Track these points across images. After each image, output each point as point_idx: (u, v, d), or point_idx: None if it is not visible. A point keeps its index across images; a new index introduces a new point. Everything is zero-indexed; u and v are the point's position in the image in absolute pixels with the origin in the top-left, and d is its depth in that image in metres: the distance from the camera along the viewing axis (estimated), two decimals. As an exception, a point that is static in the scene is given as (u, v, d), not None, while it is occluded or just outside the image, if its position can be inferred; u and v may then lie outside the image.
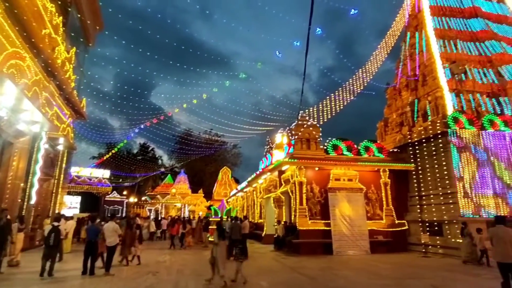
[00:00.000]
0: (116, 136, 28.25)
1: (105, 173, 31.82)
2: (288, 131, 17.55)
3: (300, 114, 16.66)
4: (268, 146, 23.46)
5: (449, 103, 15.66)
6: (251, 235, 19.41)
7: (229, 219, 14.82)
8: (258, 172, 21.16)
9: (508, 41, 18.74)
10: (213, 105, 26.30)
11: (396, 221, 15.40)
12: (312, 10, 8.72)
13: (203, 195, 43.96)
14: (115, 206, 38.39)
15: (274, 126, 21.20)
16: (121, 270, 9.42)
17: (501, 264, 6.33)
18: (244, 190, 27.19)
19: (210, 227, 18.36)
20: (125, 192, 44.58)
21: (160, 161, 59.57)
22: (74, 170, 28.88)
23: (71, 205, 27.82)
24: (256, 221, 22.66)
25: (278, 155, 18.06)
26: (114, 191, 39.12)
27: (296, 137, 15.89)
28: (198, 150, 38.23)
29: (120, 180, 40.02)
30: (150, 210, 41.47)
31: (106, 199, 35.42)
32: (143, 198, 43.88)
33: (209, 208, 37.28)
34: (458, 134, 14.26)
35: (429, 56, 17.58)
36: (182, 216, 36.52)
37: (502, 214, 6.94)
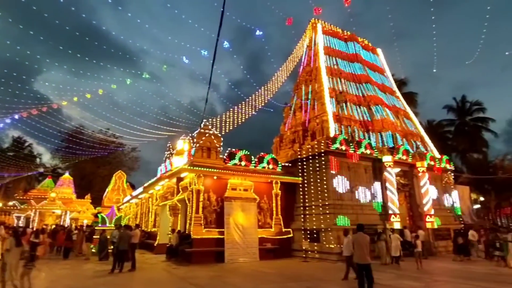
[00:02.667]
0: (-23, 125, 23.00)
1: (-44, 171, 25.48)
2: (190, 138, 17.52)
3: (203, 123, 16.87)
4: (169, 152, 22.80)
5: (332, 127, 18.23)
6: (142, 245, 18.37)
7: (118, 228, 13.80)
8: (156, 178, 20.35)
9: (377, 85, 23.21)
10: (112, 103, 24.24)
11: (283, 229, 16.90)
12: (221, 22, 9.12)
13: (91, 200, 39.42)
14: (-32, 212, 30.95)
15: (176, 132, 20.85)
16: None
17: (359, 265, 7.53)
18: (139, 196, 25.64)
19: (94, 237, 16.69)
20: (-16, 195, 36.39)
21: (38, 160, 50.95)
22: None
23: None
24: (149, 230, 21.57)
25: (178, 162, 17.79)
26: (-32, 194, 31.60)
27: (197, 145, 15.99)
28: (89, 150, 34.27)
29: (-21, 180, 32.61)
30: (18, 218, 34.87)
31: (-46, 203, 28.28)
32: (10, 203, 36.56)
33: (96, 215, 33.61)
34: (335, 154, 16.69)
35: (320, 85, 20.29)
36: (64, 225, 31.91)
37: (361, 223, 8.48)
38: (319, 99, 19.89)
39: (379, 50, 27.05)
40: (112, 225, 16.47)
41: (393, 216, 16.57)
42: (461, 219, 21.68)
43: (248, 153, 17.11)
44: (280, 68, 21.29)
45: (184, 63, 16.65)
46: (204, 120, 16.92)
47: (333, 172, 16.34)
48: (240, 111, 17.67)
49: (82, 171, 46.61)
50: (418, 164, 18.79)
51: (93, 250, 16.05)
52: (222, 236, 14.75)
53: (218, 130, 16.85)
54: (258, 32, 15.92)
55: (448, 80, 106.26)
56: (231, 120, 17.29)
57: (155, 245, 18.42)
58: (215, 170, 15.56)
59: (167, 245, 16.17)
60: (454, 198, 21.50)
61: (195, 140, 16.29)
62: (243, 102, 18.15)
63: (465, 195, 24.63)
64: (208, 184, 15.47)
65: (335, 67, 21.95)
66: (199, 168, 15.17)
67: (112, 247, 13.33)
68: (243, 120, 17.56)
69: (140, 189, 24.86)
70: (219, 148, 16.53)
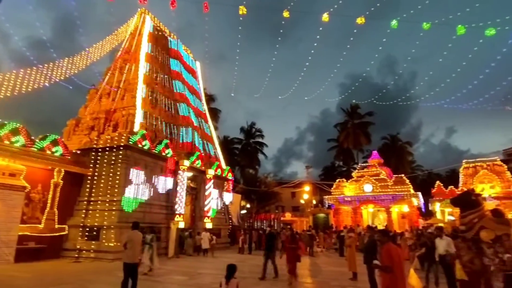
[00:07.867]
0: None
1: None
2: None
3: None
4: None
5: (138, 122, 17.84)
6: None
7: None
8: None
9: (188, 86, 24.88)
10: None
11: (56, 226, 14.67)
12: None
13: None
14: None
15: None
16: None
17: (128, 264, 7.06)
18: None
19: None
20: None
21: None
22: None
23: None
24: None
25: None
26: None
27: None
28: None
29: None
30: None
31: None
32: None
33: None
34: (135, 150, 16.44)
35: (135, 76, 19.51)
36: None
37: (137, 221, 8.21)
38: (130, 91, 19.00)
39: (197, 63, 29.13)
40: None
41: (177, 216, 17.95)
42: (230, 221, 26.34)
43: (26, 130, 13.85)
44: (94, 45, 18.74)
45: None
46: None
47: (129, 167, 15.95)
48: (27, 77, 14.02)
49: None
50: (207, 171, 21.45)
51: None
52: (-42, 232, 11.08)
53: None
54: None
55: (248, 106, 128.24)
56: (11, 84, 13.42)
57: None
58: (-33, 143, 11.64)
59: None
60: (228, 203, 25.89)
61: None
62: (35, 68, 14.54)
63: (237, 201, 30.20)
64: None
65: (154, 65, 21.78)
66: None
67: None
68: (29, 90, 14.04)
69: None
70: (-18, 117, 12.53)
